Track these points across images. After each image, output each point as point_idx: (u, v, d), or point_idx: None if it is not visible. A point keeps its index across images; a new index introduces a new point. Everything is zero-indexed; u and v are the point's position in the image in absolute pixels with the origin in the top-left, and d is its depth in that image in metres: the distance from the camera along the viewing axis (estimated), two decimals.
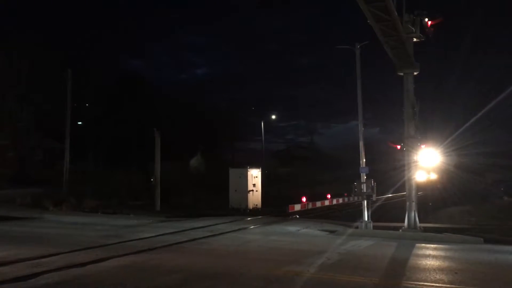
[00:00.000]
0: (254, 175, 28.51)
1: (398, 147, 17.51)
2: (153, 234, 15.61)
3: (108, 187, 29.74)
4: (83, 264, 10.25)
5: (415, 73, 17.45)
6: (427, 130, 17.36)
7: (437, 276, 9.72)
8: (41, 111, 37.10)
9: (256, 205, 28.05)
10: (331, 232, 17.41)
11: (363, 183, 17.67)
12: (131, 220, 20.97)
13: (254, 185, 28.22)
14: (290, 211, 26.84)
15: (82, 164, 33.99)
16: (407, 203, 16.92)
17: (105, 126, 44.48)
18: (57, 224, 18.73)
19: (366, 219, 17.51)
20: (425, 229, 16.83)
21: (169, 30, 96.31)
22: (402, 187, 17.97)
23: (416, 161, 16.95)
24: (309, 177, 43.50)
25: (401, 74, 17.52)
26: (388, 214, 22.21)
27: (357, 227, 17.68)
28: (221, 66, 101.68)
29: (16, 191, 28.63)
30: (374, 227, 17.41)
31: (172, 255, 11.90)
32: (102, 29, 68.09)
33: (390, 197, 31.70)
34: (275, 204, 27.92)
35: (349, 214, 20.61)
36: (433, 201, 31.50)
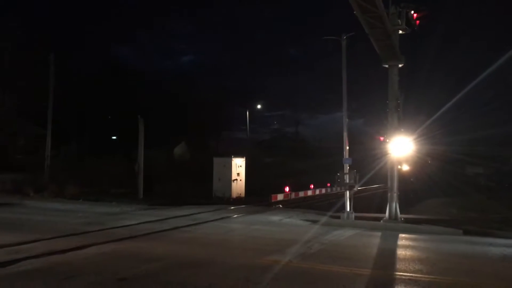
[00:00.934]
0: (239, 164, 28.51)
1: (381, 138, 17.63)
2: (135, 222, 15.56)
3: (91, 174, 29.48)
4: (63, 251, 10.18)
5: (400, 65, 17.55)
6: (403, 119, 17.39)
7: (416, 267, 9.86)
8: (23, 96, 36.46)
9: (240, 194, 28.09)
10: (314, 222, 17.53)
11: (346, 173, 17.78)
12: (113, 207, 20.86)
13: (238, 174, 28.22)
14: (273, 200, 26.87)
15: (65, 150, 33.59)
16: (389, 194, 17.08)
17: (89, 113, 43.99)
18: (38, 210, 18.55)
19: (348, 209, 17.65)
20: (406, 220, 17.04)
21: (154, 17, 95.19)
22: (377, 178, 18.12)
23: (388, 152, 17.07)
24: (293, 167, 43.64)
25: (386, 66, 17.60)
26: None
27: (339, 217, 17.83)
28: (206, 55, 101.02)
29: None
30: (356, 218, 17.57)
31: (153, 243, 11.89)
32: (87, 14, 66.85)
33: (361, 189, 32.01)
34: (259, 193, 27.95)
35: (332, 205, 20.75)
36: (411, 193, 31.90)
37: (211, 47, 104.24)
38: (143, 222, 15.58)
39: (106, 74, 48.06)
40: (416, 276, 8.97)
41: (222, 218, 17.83)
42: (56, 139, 29.80)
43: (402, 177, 17.92)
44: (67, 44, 44.54)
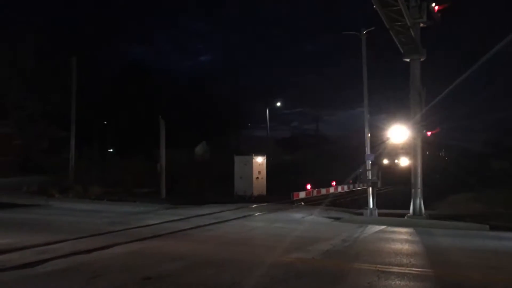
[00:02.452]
0: (259, 162, 28.52)
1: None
2: (158, 221, 15.68)
3: (114, 175, 29.85)
4: (89, 251, 10.30)
5: (422, 59, 17.29)
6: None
7: (443, 263, 9.70)
8: (47, 99, 37.13)
9: (261, 192, 28.11)
10: (336, 219, 17.42)
11: (369, 170, 17.63)
12: (136, 207, 21.07)
13: (259, 172, 28.25)
14: (295, 198, 26.81)
15: (88, 151, 34.11)
16: (413, 190, 16.88)
17: (111, 114, 44.56)
18: (63, 211, 18.85)
19: (371, 206, 17.50)
20: (431, 216, 16.80)
21: (173, 17, 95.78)
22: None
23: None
24: (314, 164, 43.42)
25: (408, 60, 17.37)
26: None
27: (362, 214, 17.68)
28: (225, 53, 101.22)
29: (22, 179, 28.82)
30: (379, 214, 17.40)
31: (176, 242, 11.95)
32: (107, 16, 67.76)
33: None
34: (280, 191, 27.91)
35: (354, 201, 20.59)
36: (435, 188, 31.36)
37: (228, 46, 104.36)
38: (166, 221, 15.68)
39: (125, 75, 48.59)
40: (443, 273, 8.81)
41: (244, 217, 17.84)
42: (79, 140, 30.27)
43: (426, 172, 17.66)
44: (89, 45, 45.06)
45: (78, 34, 46.98)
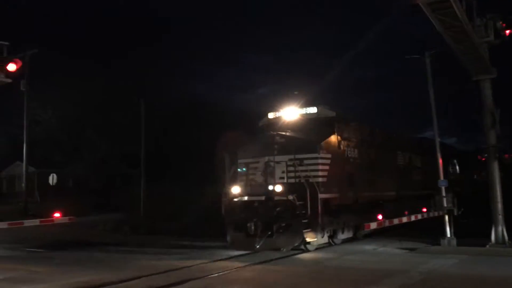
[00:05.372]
0: None
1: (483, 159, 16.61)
2: (226, 256, 15.64)
3: (182, 209, 30.37)
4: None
5: (492, 77, 16.52)
6: None
7: None
8: (117, 139, 39.09)
9: None
10: (411, 250, 16.64)
11: (444, 197, 16.84)
12: (205, 241, 21.13)
13: None
14: (365, 229, 25.90)
15: (158, 187, 35.18)
16: (493, 216, 15.85)
17: (178, 149, 45.83)
18: (136, 248, 19.35)
19: (448, 235, 16.59)
20: None
21: (232, 53, 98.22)
22: None
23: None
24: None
25: (476, 80, 16.65)
26: None
27: (439, 244, 16.77)
28: (283, 83, 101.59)
29: (99, 217, 30.24)
30: (458, 244, 16.42)
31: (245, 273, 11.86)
32: (167, 56, 70.86)
33: None
34: None
35: (429, 230, 19.59)
36: None
37: (285, 75, 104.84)
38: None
39: (187, 110, 49.99)
40: None
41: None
42: (149, 177, 31.34)
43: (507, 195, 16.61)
44: (153, 84, 46.68)
45: (143, 73, 48.78)
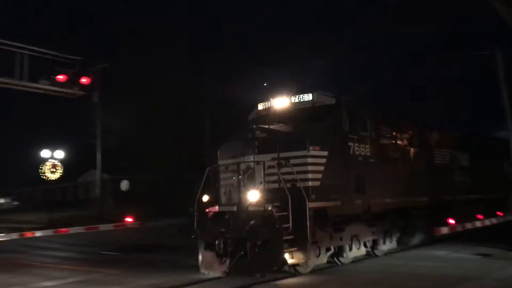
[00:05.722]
0: None
1: None
2: None
3: None
4: None
5: None
6: None
7: None
8: (185, 147, 40.34)
9: None
10: (486, 256, 15.80)
11: None
12: None
13: None
14: (436, 234, 24.86)
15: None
16: None
17: None
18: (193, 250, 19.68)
19: None
20: None
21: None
22: None
23: None
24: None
25: None
26: None
27: None
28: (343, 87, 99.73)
29: (168, 221, 31.29)
30: None
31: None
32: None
33: None
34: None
35: (506, 235, 18.48)
36: None
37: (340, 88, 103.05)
38: None
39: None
40: None
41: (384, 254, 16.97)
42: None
43: None
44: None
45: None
